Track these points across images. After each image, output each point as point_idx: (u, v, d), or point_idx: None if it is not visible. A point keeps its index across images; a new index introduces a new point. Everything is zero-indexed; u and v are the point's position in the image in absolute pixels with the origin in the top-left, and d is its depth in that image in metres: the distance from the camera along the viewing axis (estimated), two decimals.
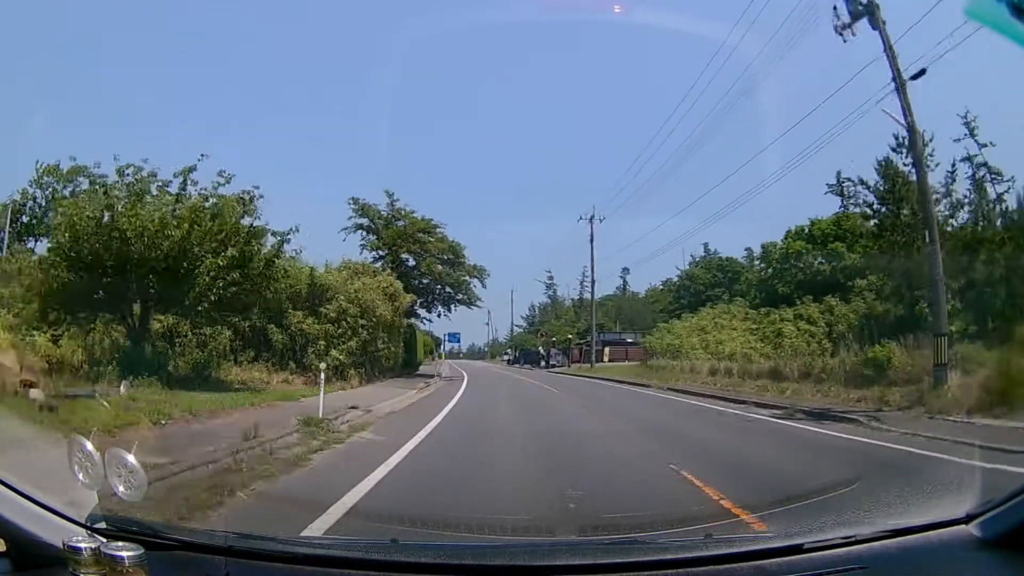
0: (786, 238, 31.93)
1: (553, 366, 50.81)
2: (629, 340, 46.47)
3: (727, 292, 39.82)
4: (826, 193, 30.30)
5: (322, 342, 19.43)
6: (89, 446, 1.87)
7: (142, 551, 1.51)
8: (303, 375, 18.21)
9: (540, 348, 59.60)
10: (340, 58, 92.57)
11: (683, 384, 22.39)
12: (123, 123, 49.29)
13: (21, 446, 5.28)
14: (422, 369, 37.45)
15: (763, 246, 35.37)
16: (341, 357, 19.57)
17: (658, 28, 63.82)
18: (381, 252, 31.03)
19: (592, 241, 43.17)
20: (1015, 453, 6.63)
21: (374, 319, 21.42)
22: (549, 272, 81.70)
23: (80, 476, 1.85)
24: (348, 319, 20.24)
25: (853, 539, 1.81)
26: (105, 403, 8.47)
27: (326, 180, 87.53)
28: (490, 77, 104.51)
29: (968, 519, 1.83)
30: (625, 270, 65.81)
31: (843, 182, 29.29)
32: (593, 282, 45.81)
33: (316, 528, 4.09)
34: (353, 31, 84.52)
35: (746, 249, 42.82)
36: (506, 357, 79.51)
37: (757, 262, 38.86)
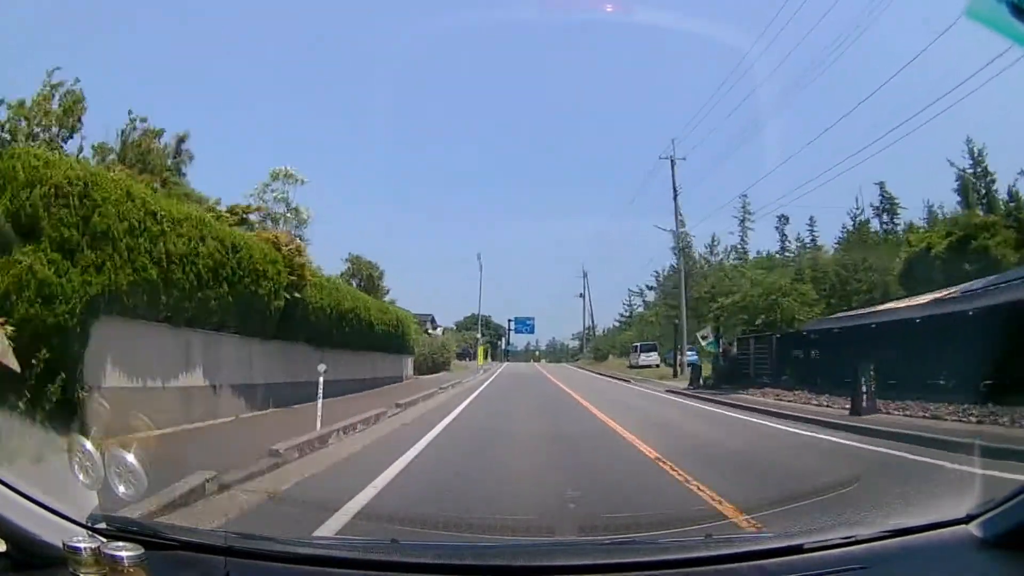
0: None
1: None
2: None
3: None
4: None
5: None
6: (89, 446, 1.87)
7: (142, 551, 1.51)
8: None
9: None
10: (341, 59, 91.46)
11: None
12: None
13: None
14: None
15: None
16: None
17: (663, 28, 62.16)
18: None
19: None
20: None
21: None
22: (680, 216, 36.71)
23: (80, 476, 1.85)
24: None
25: (853, 539, 1.81)
26: None
27: None
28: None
29: (968, 519, 1.83)
30: (783, 218, 39.52)
31: None
32: None
33: None
34: (352, 33, 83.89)
35: None
36: (692, 354, 28.32)
37: None
